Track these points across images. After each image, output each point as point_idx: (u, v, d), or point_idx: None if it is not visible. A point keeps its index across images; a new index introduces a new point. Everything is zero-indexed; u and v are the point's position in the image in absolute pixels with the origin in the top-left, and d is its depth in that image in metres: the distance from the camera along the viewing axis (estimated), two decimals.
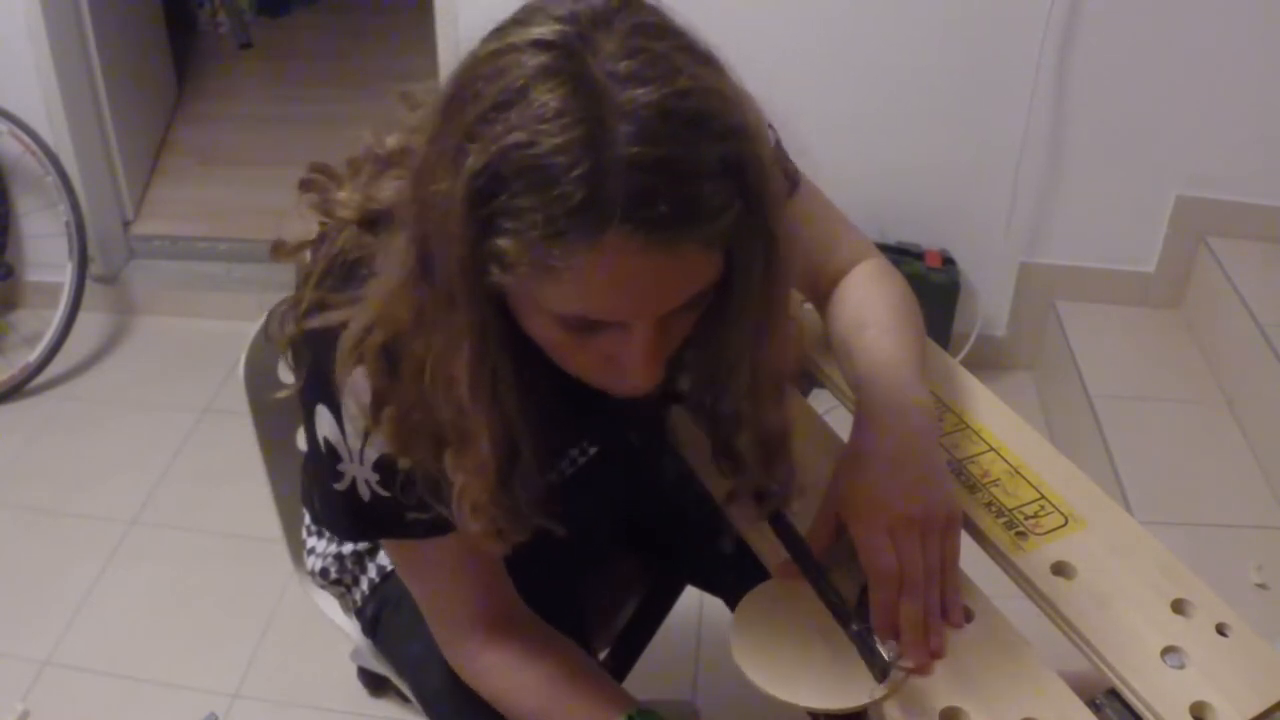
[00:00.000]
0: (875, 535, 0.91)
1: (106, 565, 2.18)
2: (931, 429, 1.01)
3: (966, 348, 2.57)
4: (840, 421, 1.15)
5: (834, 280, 1.19)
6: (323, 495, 0.98)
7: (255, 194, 3.18)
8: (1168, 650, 0.89)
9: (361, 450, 0.91)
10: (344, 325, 0.85)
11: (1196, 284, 2.46)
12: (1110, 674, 0.88)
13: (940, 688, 0.86)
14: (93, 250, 2.79)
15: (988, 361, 2.64)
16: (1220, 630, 0.91)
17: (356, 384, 0.87)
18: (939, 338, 2.53)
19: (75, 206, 2.67)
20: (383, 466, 0.91)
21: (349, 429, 0.91)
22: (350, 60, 4.09)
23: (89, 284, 2.76)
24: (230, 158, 3.45)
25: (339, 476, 0.94)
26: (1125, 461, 2.06)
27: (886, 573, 0.90)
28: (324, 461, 0.94)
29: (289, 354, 0.94)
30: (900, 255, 2.48)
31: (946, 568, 0.93)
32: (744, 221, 0.76)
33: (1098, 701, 0.87)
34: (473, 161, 0.72)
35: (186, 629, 2.05)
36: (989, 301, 2.60)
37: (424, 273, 0.78)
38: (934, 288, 2.47)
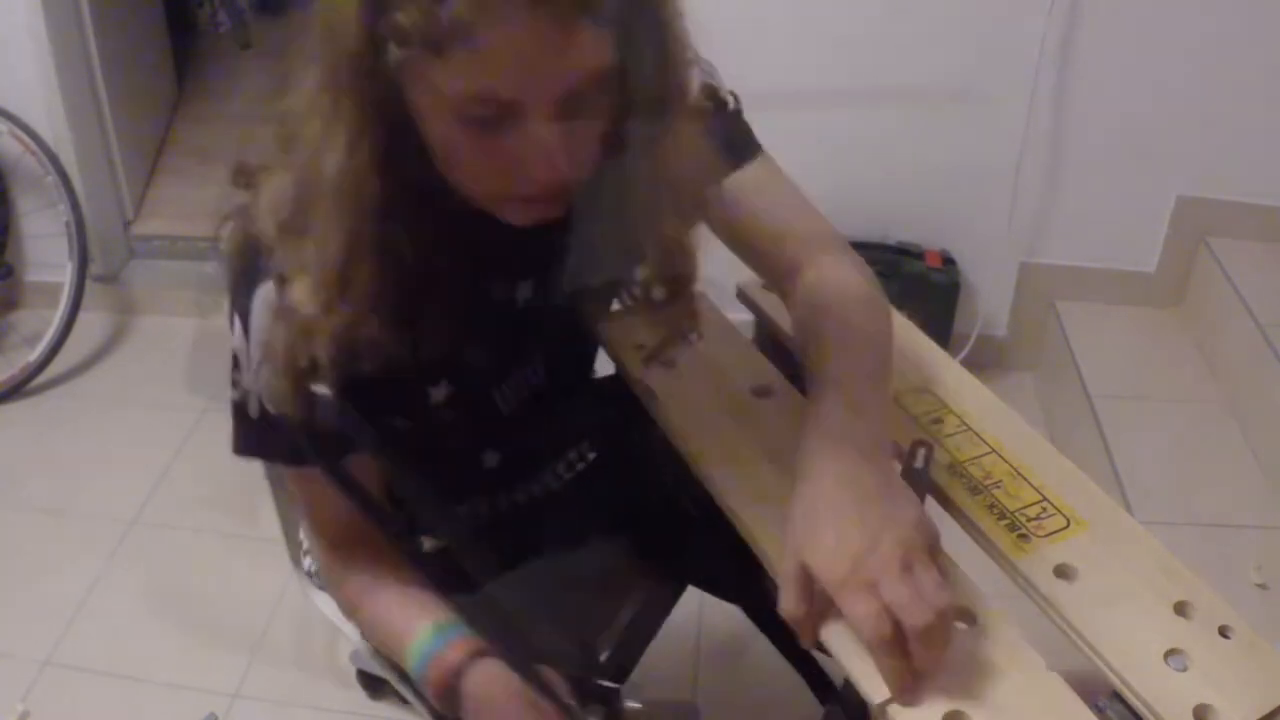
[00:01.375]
0: (861, 600, 0.82)
1: (107, 565, 2.18)
2: (882, 448, 0.94)
3: (967, 348, 2.57)
4: None
5: (792, 266, 1.11)
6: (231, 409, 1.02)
7: None
8: (1170, 653, 0.89)
9: (259, 364, 0.95)
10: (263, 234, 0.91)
11: (1197, 284, 2.46)
12: (1112, 676, 0.88)
13: (942, 691, 0.86)
14: (93, 250, 2.79)
15: (988, 361, 2.64)
16: (1223, 632, 0.91)
17: (268, 295, 0.92)
18: (939, 338, 2.53)
19: (75, 206, 2.67)
20: None
21: (253, 339, 0.94)
22: None
23: (89, 284, 2.76)
24: (230, 157, 3.44)
25: (235, 384, 1.00)
26: (1125, 461, 2.06)
27: (887, 639, 0.81)
28: (231, 371, 1.00)
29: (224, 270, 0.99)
30: (900, 255, 2.48)
31: (941, 591, 0.83)
32: (634, 7, 0.79)
33: (1100, 704, 0.87)
34: None
35: (187, 629, 2.05)
36: (989, 301, 2.60)
37: (325, 81, 0.83)
38: (934, 288, 2.47)
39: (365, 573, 1.08)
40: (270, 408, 0.95)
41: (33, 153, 2.65)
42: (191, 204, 3.19)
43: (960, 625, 0.90)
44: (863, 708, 0.87)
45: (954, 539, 0.97)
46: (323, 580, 1.14)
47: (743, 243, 1.13)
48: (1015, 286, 2.59)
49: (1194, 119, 2.33)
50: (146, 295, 2.96)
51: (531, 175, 0.83)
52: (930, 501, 1.01)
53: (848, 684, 0.89)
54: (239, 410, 1.01)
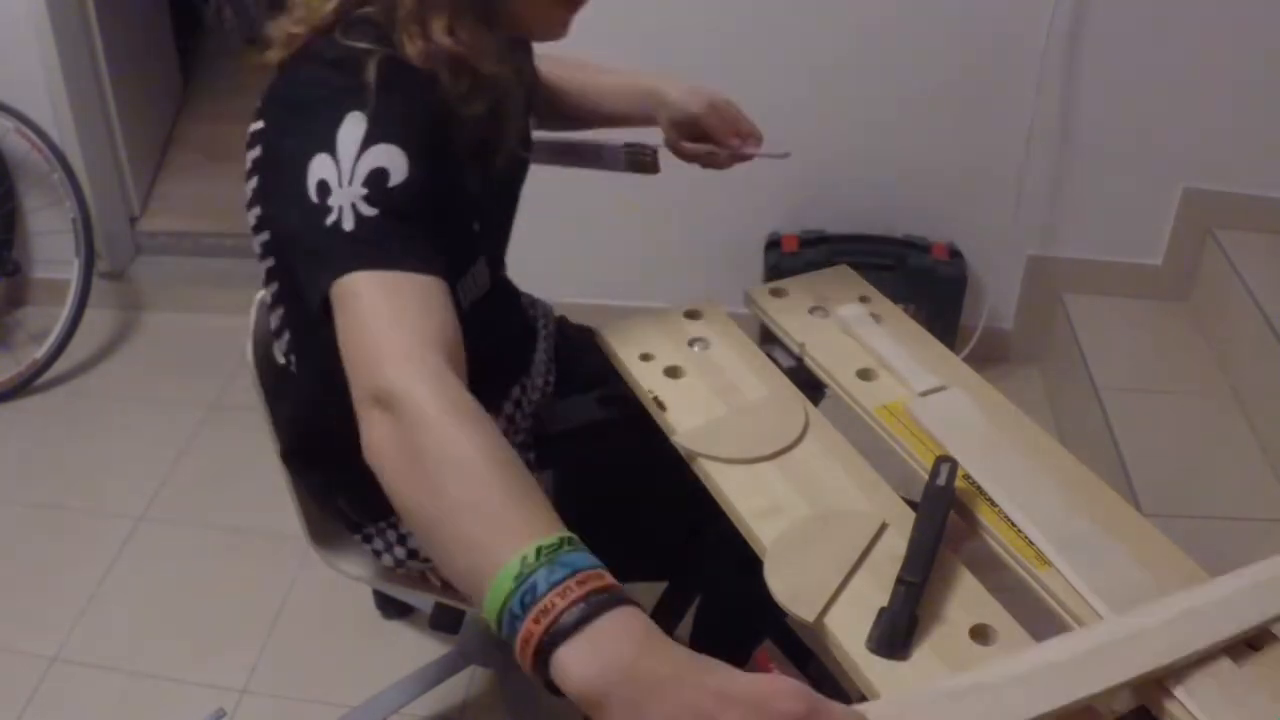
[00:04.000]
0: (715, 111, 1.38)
1: (115, 561, 2.19)
2: None
3: (973, 341, 2.56)
4: (840, 419, 1.16)
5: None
6: (310, 246, 0.97)
7: None
8: (1200, 666, 0.87)
9: (353, 169, 0.96)
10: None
11: (1204, 276, 2.45)
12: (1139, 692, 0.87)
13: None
14: (99, 246, 2.79)
15: (995, 355, 2.64)
16: (1251, 643, 0.90)
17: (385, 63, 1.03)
18: (946, 331, 2.52)
19: (82, 203, 2.68)
20: (373, 181, 0.96)
21: (344, 153, 0.97)
22: None
23: (96, 280, 2.76)
24: (236, 153, 3.42)
25: (328, 211, 0.95)
26: (1132, 454, 2.05)
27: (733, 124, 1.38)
28: (316, 210, 0.95)
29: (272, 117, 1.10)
30: (907, 248, 2.48)
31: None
32: None
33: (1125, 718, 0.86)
34: None
35: (195, 625, 2.05)
36: (996, 294, 2.59)
37: None
38: (941, 280, 2.47)
39: (463, 415, 0.83)
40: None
41: (39, 150, 2.66)
42: (197, 200, 3.20)
43: (978, 645, 0.90)
44: None
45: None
46: (398, 390, 0.84)
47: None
48: (1022, 279, 2.59)
49: (1200, 111, 2.32)
50: (153, 291, 2.97)
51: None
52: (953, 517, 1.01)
53: (863, 700, 0.89)
54: (333, 234, 0.94)
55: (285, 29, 1.09)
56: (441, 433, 0.81)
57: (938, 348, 1.26)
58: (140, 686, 1.93)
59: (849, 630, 0.90)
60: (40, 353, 2.67)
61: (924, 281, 2.46)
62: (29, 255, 2.90)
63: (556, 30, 1.18)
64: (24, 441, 2.52)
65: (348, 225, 0.94)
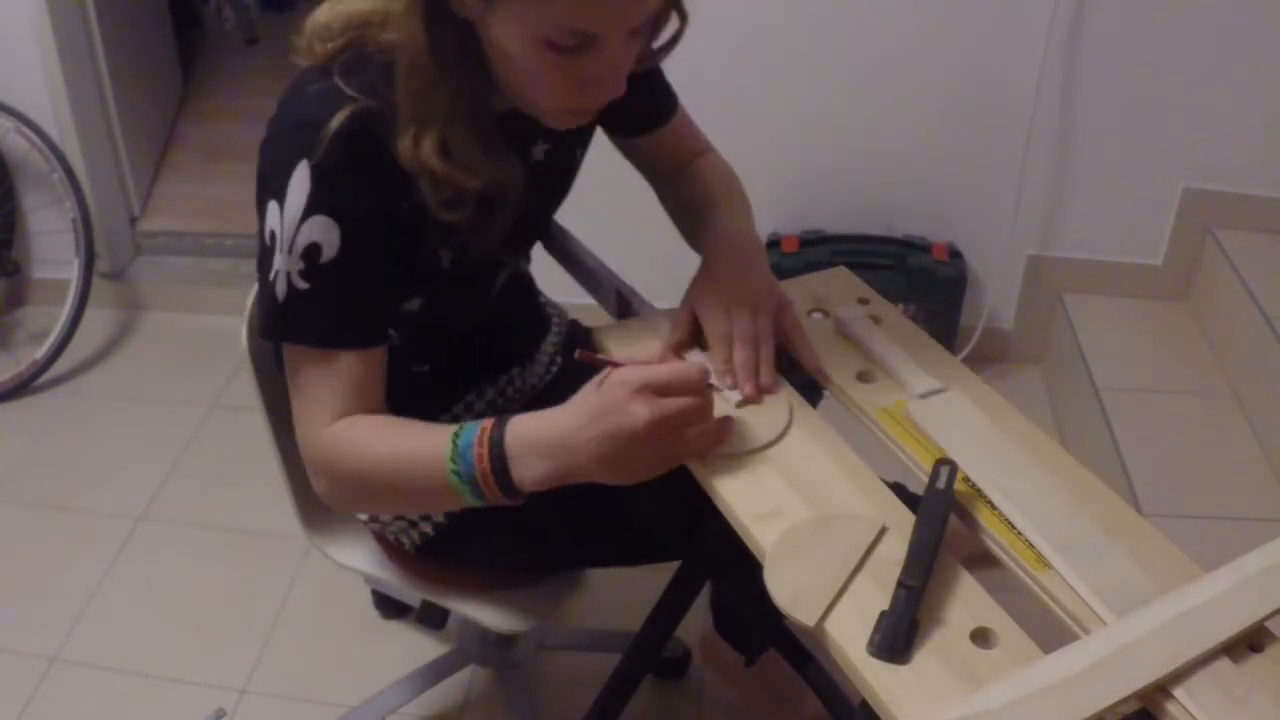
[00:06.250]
0: (716, 312, 1.19)
1: (115, 561, 2.19)
2: (762, 254, 1.30)
3: (973, 341, 2.56)
4: (839, 422, 1.16)
5: (683, 162, 1.43)
6: (260, 285, 1.10)
7: None
8: (1201, 668, 0.87)
9: (293, 238, 1.03)
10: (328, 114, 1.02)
11: (1204, 276, 2.45)
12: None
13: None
14: (99, 246, 2.79)
15: (994, 355, 2.64)
16: (1253, 645, 0.90)
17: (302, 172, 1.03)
18: (946, 331, 2.52)
19: (81, 203, 2.68)
20: (308, 255, 1.04)
21: (288, 214, 1.03)
22: None
23: (95, 280, 2.76)
24: (236, 153, 3.44)
25: (270, 267, 1.06)
26: (1132, 454, 2.05)
27: (722, 334, 1.18)
28: (266, 256, 1.07)
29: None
30: (907, 248, 2.48)
31: (765, 334, 1.19)
32: None
33: None
34: None
35: (195, 625, 2.05)
36: (996, 294, 2.59)
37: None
38: (941, 281, 2.47)
39: (373, 422, 1.12)
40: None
41: (39, 150, 2.66)
42: (197, 200, 3.20)
43: (979, 649, 0.90)
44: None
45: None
46: (320, 458, 1.13)
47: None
48: (1022, 279, 2.59)
49: (1200, 111, 2.32)
50: (152, 291, 2.97)
51: (596, 93, 1.04)
52: (954, 520, 1.01)
53: (864, 704, 0.89)
54: (269, 294, 1.08)
55: (295, 56, 1.11)
56: (354, 470, 1.11)
57: (937, 350, 1.26)
58: (140, 686, 1.94)
59: (849, 634, 0.90)
60: (40, 353, 2.67)
61: (924, 281, 2.46)
62: (29, 255, 2.90)
63: (566, 122, 1.10)
64: (24, 441, 2.52)
65: (280, 292, 1.06)
